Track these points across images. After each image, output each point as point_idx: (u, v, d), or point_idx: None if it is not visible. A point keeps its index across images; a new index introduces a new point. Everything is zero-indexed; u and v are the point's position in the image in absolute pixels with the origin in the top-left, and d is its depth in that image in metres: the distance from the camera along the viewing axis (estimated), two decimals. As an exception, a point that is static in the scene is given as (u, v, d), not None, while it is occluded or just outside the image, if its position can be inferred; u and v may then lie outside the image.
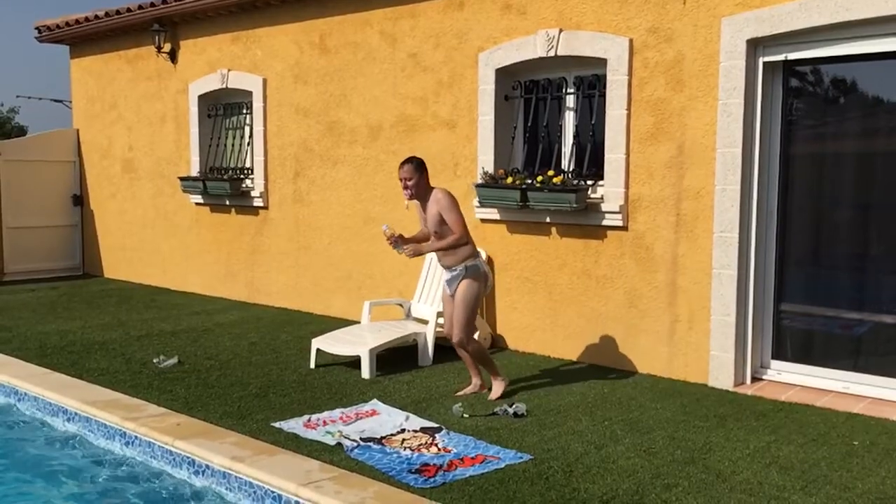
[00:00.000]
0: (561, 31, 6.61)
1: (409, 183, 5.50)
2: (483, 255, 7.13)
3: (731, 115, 5.76)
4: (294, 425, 5.03)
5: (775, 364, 6.01)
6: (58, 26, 11.24)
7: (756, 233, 5.87)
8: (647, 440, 4.78)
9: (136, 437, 4.93)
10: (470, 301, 5.53)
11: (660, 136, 6.17)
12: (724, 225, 5.84)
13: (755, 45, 5.74)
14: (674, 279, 6.15)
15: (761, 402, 5.56)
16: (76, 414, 5.40)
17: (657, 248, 6.24)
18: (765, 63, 5.76)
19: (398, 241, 5.60)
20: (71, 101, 12.23)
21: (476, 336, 5.70)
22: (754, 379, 5.99)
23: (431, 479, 4.17)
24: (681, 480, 4.17)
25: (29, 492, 4.56)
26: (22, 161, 11.39)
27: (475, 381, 5.79)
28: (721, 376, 5.91)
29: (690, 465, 4.38)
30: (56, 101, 22.57)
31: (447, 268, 5.59)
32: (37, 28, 11.67)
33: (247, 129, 9.64)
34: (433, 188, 5.58)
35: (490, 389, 5.71)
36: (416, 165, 5.53)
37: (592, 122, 6.69)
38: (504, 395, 5.62)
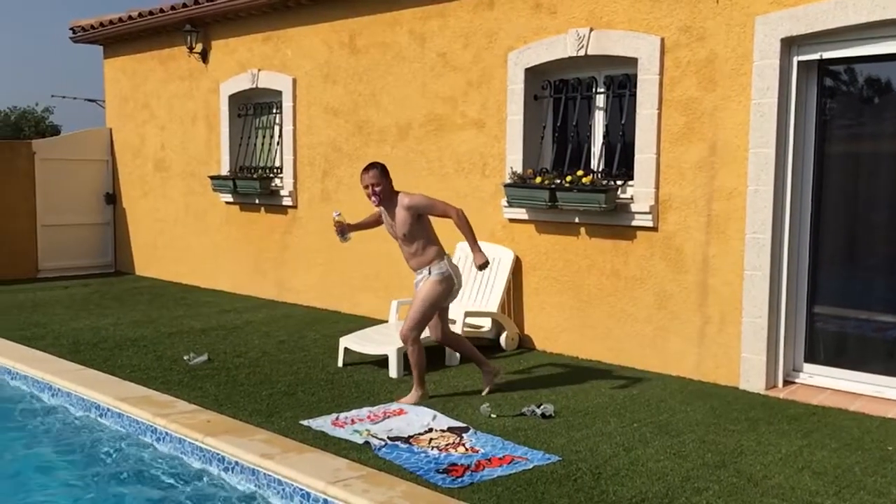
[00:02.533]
0: (591, 30, 6.57)
1: (377, 189, 5.44)
2: (509, 251, 7.13)
3: (764, 114, 5.69)
4: (322, 423, 5.05)
5: (808, 367, 5.93)
6: (92, 27, 11.40)
7: (789, 234, 5.80)
8: (677, 443, 4.73)
9: (167, 433, 4.98)
10: (428, 300, 5.46)
11: (691, 135, 6.11)
12: (756, 226, 5.77)
13: (789, 44, 5.67)
14: (704, 280, 6.09)
15: (793, 405, 5.48)
16: (108, 409, 5.47)
17: (687, 248, 6.18)
18: (799, 62, 5.68)
19: (345, 230, 5.63)
20: (104, 101, 12.39)
21: (425, 335, 5.61)
22: (786, 382, 5.91)
23: (459, 479, 4.16)
24: (711, 484, 4.13)
25: (56, 484, 4.63)
26: (56, 160, 11.57)
27: (486, 370, 5.77)
28: (752, 379, 5.85)
29: (721, 469, 4.33)
30: (90, 100, 22.90)
31: (415, 269, 5.57)
32: (71, 28, 11.84)
33: (276, 128, 9.70)
34: (398, 192, 5.52)
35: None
36: (381, 170, 5.47)
37: (622, 121, 6.65)
38: (418, 403, 5.48)
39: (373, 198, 5.49)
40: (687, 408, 5.43)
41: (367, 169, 5.50)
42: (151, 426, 5.10)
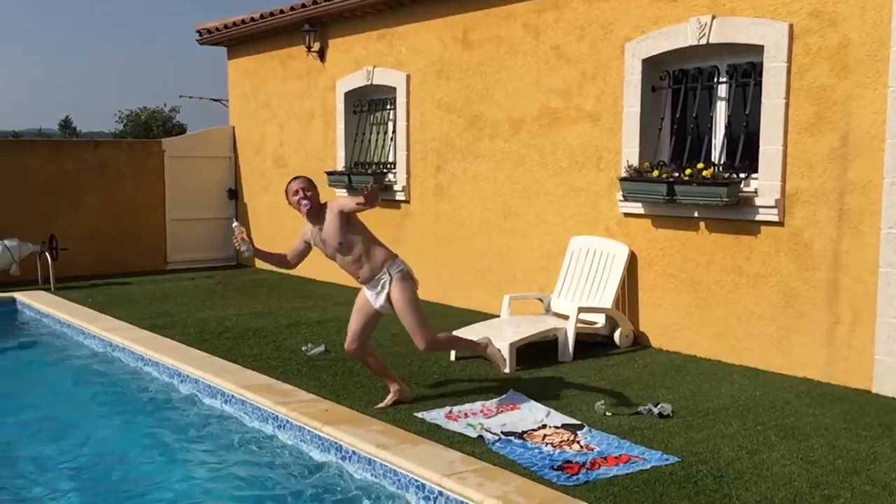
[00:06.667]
0: (714, 17, 6.34)
1: (308, 194, 5.20)
2: (624, 246, 6.98)
3: (902, 102, 5.34)
4: (436, 416, 5.09)
5: (950, 372, 5.55)
6: (217, 29, 11.88)
7: (930, 229, 5.43)
8: (805, 447, 4.52)
9: (287, 421, 5.14)
10: (412, 303, 5.17)
11: (821, 125, 5.81)
12: (893, 220, 5.43)
13: (932, 26, 5.30)
14: (835, 278, 5.78)
15: (934, 412, 5.15)
16: (232, 396, 5.69)
17: (817, 244, 5.88)
18: (943, 45, 5.31)
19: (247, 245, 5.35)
20: (227, 100, 12.90)
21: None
22: (925, 387, 5.54)
23: (574, 477, 4.11)
24: (842, 492, 3.92)
25: (178, 463, 4.85)
26: (184, 157, 12.14)
27: (393, 388, 5.38)
28: (887, 383, 5.51)
29: (853, 476, 4.11)
30: (215, 100, 23.90)
31: (368, 281, 5.24)
32: (198, 31, 12.38)
33: (390, 124, 9.84)
34: (324, 203, 5.28)
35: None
36: (310, 180, 5.31)
37: (746, 112, 6.38)
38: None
39: (303, 202, 5.19)
40: (815, 411, 5.17)
41: (294, 178, 5.34)
42: (273, 413, 5.27)
